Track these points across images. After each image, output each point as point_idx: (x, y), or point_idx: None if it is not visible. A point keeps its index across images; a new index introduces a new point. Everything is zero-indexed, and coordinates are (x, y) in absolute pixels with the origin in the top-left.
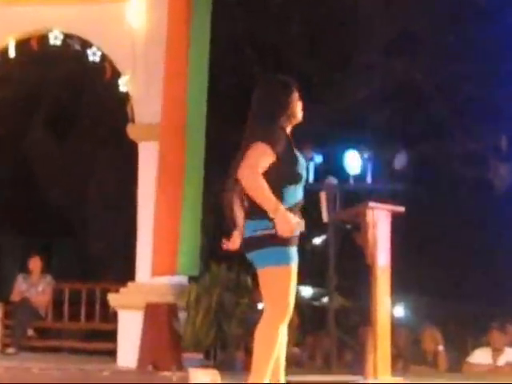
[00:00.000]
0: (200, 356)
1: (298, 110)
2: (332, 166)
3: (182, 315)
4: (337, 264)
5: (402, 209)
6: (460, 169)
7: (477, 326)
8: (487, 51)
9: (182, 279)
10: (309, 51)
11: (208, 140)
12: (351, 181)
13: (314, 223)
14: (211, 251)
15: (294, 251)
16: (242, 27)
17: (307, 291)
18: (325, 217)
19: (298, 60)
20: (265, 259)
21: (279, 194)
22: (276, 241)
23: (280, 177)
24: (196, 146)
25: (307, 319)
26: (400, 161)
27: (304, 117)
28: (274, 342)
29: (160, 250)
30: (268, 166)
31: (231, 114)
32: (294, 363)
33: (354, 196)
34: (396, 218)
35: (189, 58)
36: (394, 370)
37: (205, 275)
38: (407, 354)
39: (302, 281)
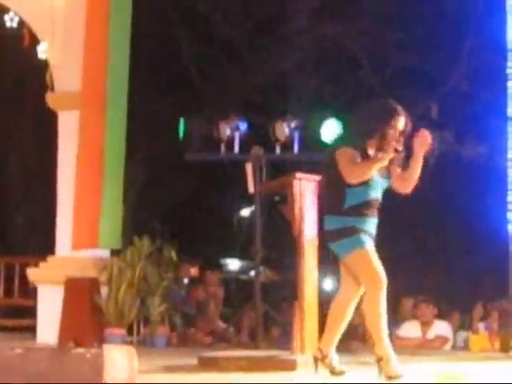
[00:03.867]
0: (123, 331)
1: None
2: (258, 136)
3: (104, 290)
4: (264, 236)
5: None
6: None
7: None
8: (420, 18)
9: (104, 253)
10: (236, 17)
11: (130, 109)
12: (278, 150)
13: (240, 195)
14: (133, 224)
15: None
16: None
17: (234, 264)
18: (251, 188)
19: (225, 26)
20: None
21: (343, 194)
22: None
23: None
24: (117, 115)
25: (234, 293)
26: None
27: (230, 84)
28: (379, 316)
29: (81, 223)
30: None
31: (154, 82)
32: (220, 338)
33: (281, 166)
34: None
35: (110, 24)
36: None
37: (127, 249)
38: None
39: (228, 254)
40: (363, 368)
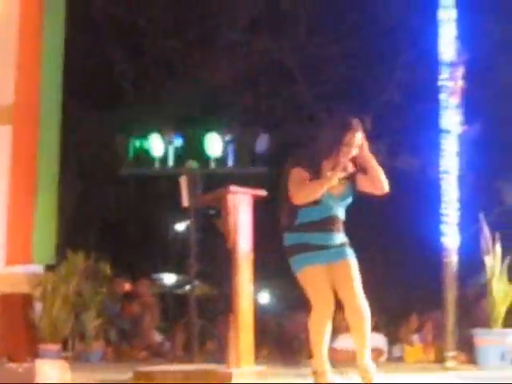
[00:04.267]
0: (57, 347)
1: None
2: (192, 149)
3: (39, 305)
4: (199, 251)
5: (263, 193)
6: None
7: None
8: (353, 32)
9: (38, 268)
10: (170, 30)
11: (64, 124)
12: (212, 164)
13: (175, 209)
14: (68, 239)
15: (305, 256)
16: (99, 5)
17: (170, 279)
18: (185, 201)
19: (158, 40)
20: (295, 265)
21: (296, 211)
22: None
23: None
24: (51, 130)
25: (170, 307)
26: (262, 144)
27: (164, 98)
28: (317, 334)
29: (14, 238)
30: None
31: (88, 96)
32: (155, 353)
33: (215, 180)
34: (258, 203)
35: (43, 38)
36: (258, 359)
37: (61, 264)
38: (272, 342)
39: (164, 268)
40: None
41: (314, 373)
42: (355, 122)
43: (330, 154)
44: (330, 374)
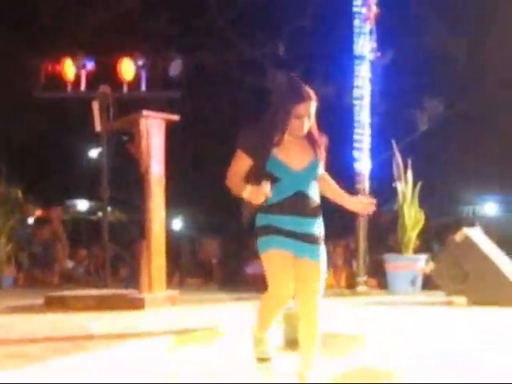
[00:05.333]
0: None
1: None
2: (105, 74)
3: None
4: (112, 176)
5: (176, 117)
6: (238, 77)
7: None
8: None
9: None
10: None
11: None
12: (125, 89)
13: (88, 134)
14: None
15: (271, 238)
16: None
17: (83, 205)
18: (98, 126)
19: None
20: (260, 247)
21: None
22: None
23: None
24: None
25: (83, 233)
26: (175, 68)
27: (76, 22)
28: (263, 311)
29: None
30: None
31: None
32: (68, 278)
33: (128, 105)
34: (171, 127)
35: None
36: (170, 284)
37: None
38: (184, 267)
39: (77, 194)
40: None
41: (254, 338)
42: (310, 92)
43: (281, 131)
44: (267, 345)
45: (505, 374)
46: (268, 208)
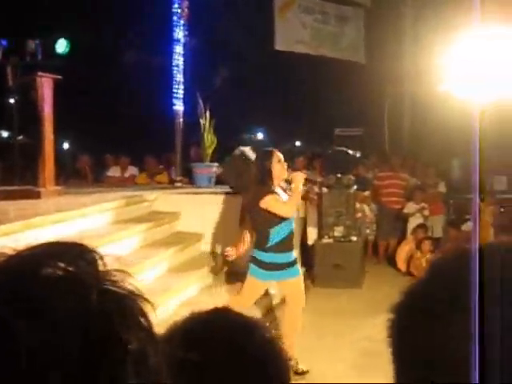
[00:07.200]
0: None
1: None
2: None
3: None
4: (16, 109)
5: (59, 77)
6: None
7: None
8: None
9: None
10: None
11: None
12: (28, 59)
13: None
14: None
15: (263, 272)
16: None
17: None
18: (10, 81)
19: None
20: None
21: (267, 234)
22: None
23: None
24: None
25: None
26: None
27: None
28: (244, 302)
29: None
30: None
31: None
32: None
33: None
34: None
35: None
36: (59, 183)
37: None
38: (67, 170)
39: None
40: None
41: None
42: (270, 149)
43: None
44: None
45: None
46: (270, 247)
